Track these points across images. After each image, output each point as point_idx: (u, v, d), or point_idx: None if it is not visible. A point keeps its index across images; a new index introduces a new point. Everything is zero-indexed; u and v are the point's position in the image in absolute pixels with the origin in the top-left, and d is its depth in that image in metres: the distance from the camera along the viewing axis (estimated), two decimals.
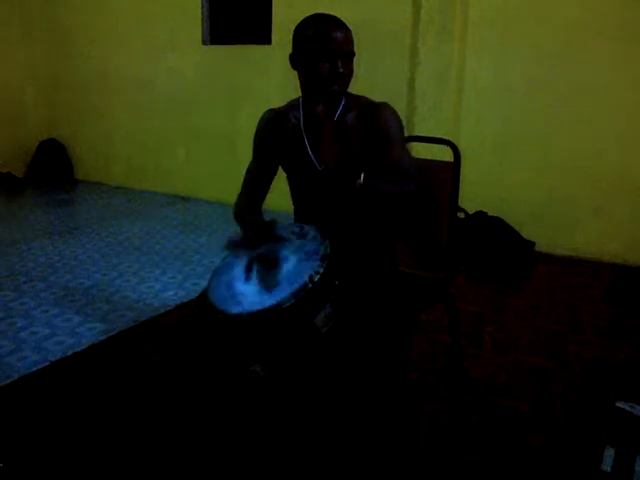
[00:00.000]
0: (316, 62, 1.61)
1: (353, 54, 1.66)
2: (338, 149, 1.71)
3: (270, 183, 1.90)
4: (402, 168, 1.67)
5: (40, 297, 3.08)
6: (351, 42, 1.65)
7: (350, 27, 1.67)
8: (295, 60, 1.69)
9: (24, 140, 6.13)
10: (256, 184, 1.87)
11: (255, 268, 1.55)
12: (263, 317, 1.39)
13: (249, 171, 1.89)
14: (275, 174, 1.90)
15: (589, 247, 3.82)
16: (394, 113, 1.72)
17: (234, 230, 1.79)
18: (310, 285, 1.39)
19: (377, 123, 1.68)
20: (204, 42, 5.15)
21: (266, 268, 1.53)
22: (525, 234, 3.78)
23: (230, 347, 1.55)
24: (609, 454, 1.84)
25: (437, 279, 2.08)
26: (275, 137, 1.81)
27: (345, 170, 1.64)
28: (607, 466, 1.79)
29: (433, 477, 1.76)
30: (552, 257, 3.85)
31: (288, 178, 1.87)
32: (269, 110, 1.85)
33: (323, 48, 1.59)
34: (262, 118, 1.85)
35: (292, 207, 1.92)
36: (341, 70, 1.61)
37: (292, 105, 1.81)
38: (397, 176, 1.67)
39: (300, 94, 1.78)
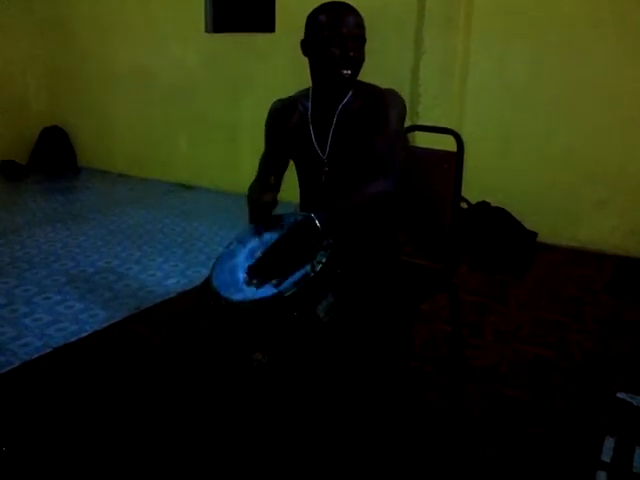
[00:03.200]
0: (328, 46, 1.61)
1: (364, 40, 1.66)
2: (341, 138, 1.71)
3: (283, 172, 1.90)
4: (383, 159, 1.62)
5: (42, 284, 3.09)
6: (363, 28, 1.65)
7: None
8: (306, 46, 1.69)
9: (27, 127, 6.12)
10: (269, 172, 1.87)
11: (258, 256, 1.55)
12: (265, 305, 1.39)
13: (262, 160, 1.89)
14: (287, 163, 1.90)
15: (591, 238, 3.81)
16: (396, 99, 1.69)
17: (236, 218, 1.79)
18: (312, 274, 1.39)
19: (377, 108, 1.66)
20: (207, 30, 5.11)
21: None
22: (528, 225, 3.78)
23: (231, 334, 1.55)
24: (609, 444, 1.85)
25: (439, 269, 2.08)
26: (283, 126, 1.81)
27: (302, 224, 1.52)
28: (607, 456, 1.80)
29: (433, 466, 1.77)
30: (555, 248, 3.84)
31: (296, 167, 1.87)
32: (278, 100, 1.86)
33: (335, 32, 1.59)
34: (271, 108, 1.86)
35: (297, 197, 1.92)
36: (352, 54, 1.61)
37: (302, 94, 1.81)
38: (378, 168, 1.62)
39: (306, 84, 1.78)
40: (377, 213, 1.65)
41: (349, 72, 1.64)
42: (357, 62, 1.65)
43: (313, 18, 1.66)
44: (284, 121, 1.81)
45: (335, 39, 1.60)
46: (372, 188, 1.58)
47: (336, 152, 1.72)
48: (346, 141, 1.70)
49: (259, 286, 1.46)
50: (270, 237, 1.60)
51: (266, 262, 1.50)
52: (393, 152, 1.63)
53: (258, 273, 1.49)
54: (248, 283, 1.48)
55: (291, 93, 1.86)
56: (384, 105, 1.66)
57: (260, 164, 1.89)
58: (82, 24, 5.81)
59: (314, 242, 1.49)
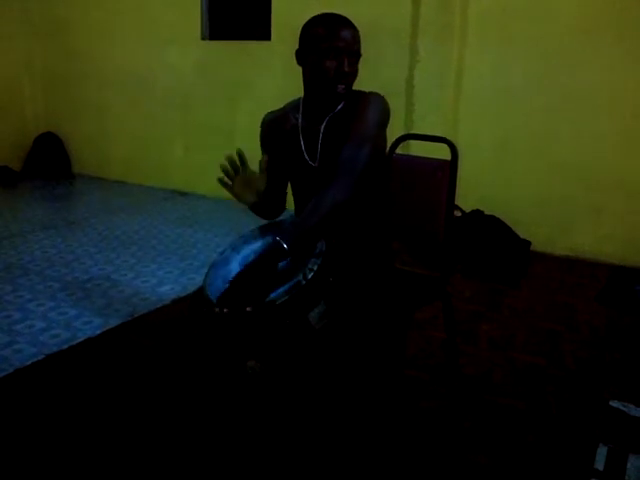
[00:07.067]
0: (323, 59, 1.61)
1: (360, 54, 1.66)
2: (330, 147, 1.71)
3: (285, 183, 1.89)
4: (344, 164, 1.59)
5: (36, 290, 3.08)
6: (358, 42, 1.65)
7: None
8: (301, 56, 1.69)
9: (21, 133, 6.11)
10: (271, 183, 1.85)
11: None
12: (257, 313, 1.39)
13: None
14: (287, 175, 1.89)
15: (586, 247, 3.83)
16: (377, 102, 1.67)
17: (231, 225, 1.79)
18: (304, 282, 1.39)
19: (356, 110, 1.66)
20: (203, 37, 5.13)
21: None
22: (522, 233, 3.79)
23: (226, 342, 1.55)
24: (602, 452, 1.86)
25: (434, 277, 2.09)
26: (276, 137, 1.82)
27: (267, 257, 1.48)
28: (600, 464, 1.80)
29: (427, 474, 1.77)
30: (549, 256, 3.86)
31: (289, 176, 1.88)
32: (269, 112, 1.86)
33: (331, 46, 1.59)
34: (263, 121, 1.86)
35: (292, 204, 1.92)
36: (347, 69, 1.61)
37: (292, 105, 1.82)
38: (336, 172, 1.58)
39: (302, 92, 1.79)
40: (334, 221, 1.63)
41: (343, 87, 1.65)
42: (352, 77, 1.66)
43: (309, 29, 1.66)
44: (276, 132, 1.81)
45: (331, 53, 1.60)
46: (327, 199, 1.54)
47: (326, 160, 1.73)
48: (335, 148, 1.71)
49: (231, 315, 1.39)
50: (262, 244, 1.60)
51: (234, 292, 1.43)
52: (356, 157, 1.59)
53: (227, 303, 1.41)
54: (219, 314, 1.40)
55: (287, 100, 1.87)
56: (362, 108, 1.65)
57: None
58: (78, 30, 5.82)
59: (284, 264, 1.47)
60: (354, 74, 1.67)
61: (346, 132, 1.65)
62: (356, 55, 1.64)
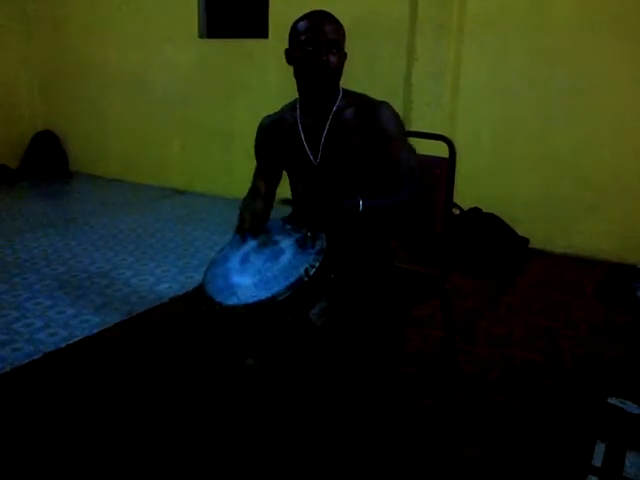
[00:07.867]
0: (304, 52, 1.64)
1: (340, 45, 1.67)
2: (333, 144, 1.72)
3: (276, 184, 1.94)
4: (404, 168, 1.70)
5: (33, 289, 3.07)
6: (338, 34, 1.67)
7: (344, 23, 1.69)
8: (289, 54, 1.73)
9: (18, 132, 6.09)
10: (261, 187, 1.91)
11: (251, 260, 1.56)
12: (258, 309, 1.39)
13: (255, 175, 1.94)
14: (279, 178, 1.94)
15: (584, 244, 3.83)
16: (394, 113, 1.73)
17: (229, 223, 1.79)
18: (306, 278, 1.40)
19: (377, 123, 1.69)
20: (200, 35, 5.12)
21: (262, 260, 1.54)
22: (520, 231, 3.79)
23: (225, 339, 1.55)
24: (600, 449, 1.86)
25: (432, 274, 2.09)
26: (274, 139, 1.84)
27: (338, 198, 1.61)
28: (598, 461, 1.81)
29: (425, 471, 1.77)
30: (547, 254, 3.86)
31: (287, 174, 1.89)
32: (266, 116, 1.89)
33: (308, 37, 1.63)
34: (260, 124, 1.89)
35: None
36: (325, 58, 1.63)
37: (288, 107, 1.85)
38: (399, 176, 1.69)
39: (296, 90, 1.80)
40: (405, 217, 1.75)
41: (325, 76, 1.65)
42: (331, 66, 1.65)
43: (294, 26, 1.71)
44: (274, 134, 1.84)
45: (310, 45, 1.63)
46: (407, 192, 1.68)
47: (328, 156, 1.73)
48: (339, 146, 1.72)
49: (292, 231, 1.58)
50: (263, 241, 1.61)
51: (306, 212, 1.61)
52: (411, 162, 1.72)
53: (297, 220, 1.63)
54: (284, 229, 1.62)
55: (284, 97, 1.88)
56: (386, 122, 1.70)
57: (254, 178, 1.93)
58: (76, 28, 5.80)
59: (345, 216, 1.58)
60: (337, 66, 1.67)
61: (360, 138, 1.69)
62: (335, 44, 1.65)
